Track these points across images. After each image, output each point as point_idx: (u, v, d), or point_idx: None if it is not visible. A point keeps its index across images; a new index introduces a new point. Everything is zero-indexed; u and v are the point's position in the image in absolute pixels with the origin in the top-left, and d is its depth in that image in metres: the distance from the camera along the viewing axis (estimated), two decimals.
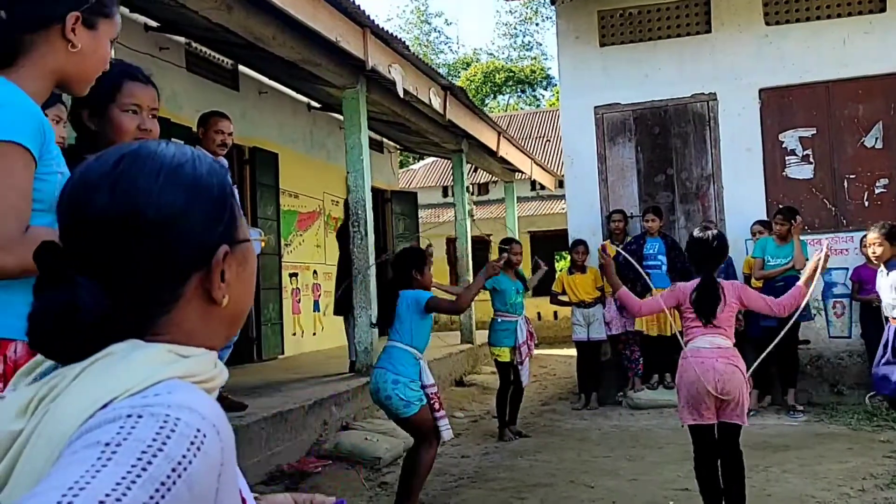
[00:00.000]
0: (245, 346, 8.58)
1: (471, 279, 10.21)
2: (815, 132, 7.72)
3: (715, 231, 3.88)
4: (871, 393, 6.84)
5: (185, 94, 7.73)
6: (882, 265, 4.93)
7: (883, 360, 5.08)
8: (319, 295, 10.59)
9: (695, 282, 3.75)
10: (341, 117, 7.22)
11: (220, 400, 0.83)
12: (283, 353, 9.35)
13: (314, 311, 10.46)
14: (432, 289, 4.47)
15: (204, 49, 8.13)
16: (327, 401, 5.65)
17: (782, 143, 7.76)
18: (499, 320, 6.37)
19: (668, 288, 3.94)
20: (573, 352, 8.11)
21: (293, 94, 10.00)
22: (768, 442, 5.64)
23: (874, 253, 4.90)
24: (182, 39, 7.80)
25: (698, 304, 3.67)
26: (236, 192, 4.75)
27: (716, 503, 3.66)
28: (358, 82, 6.53)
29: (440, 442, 4.19)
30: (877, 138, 7.59)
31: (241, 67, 8.85)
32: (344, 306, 7.14)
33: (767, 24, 7.88)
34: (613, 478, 4.86)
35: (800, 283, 3.76)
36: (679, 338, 3.80)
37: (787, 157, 7.78)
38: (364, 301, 6.54)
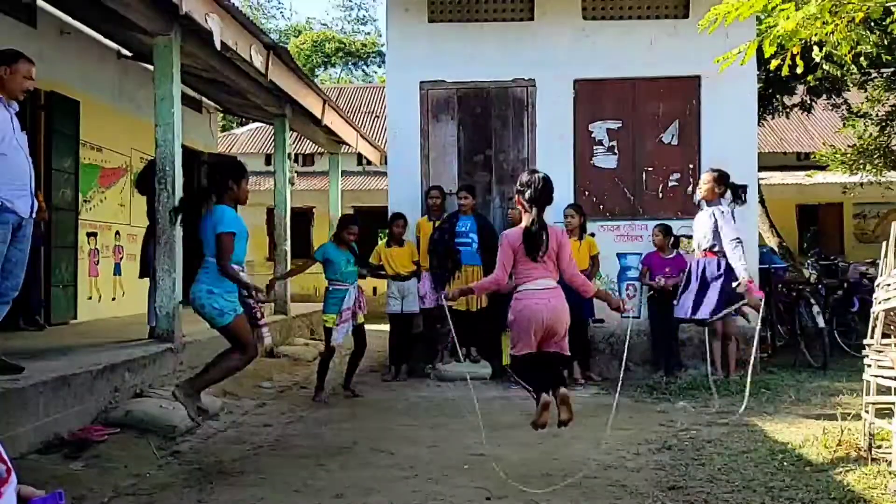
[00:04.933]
0: (33, 308, 7.84)
1: (288, 249, 9.98)
2: (620, 125, 8.24)
3: (543, 173, 4.13)
4: (660, 373, 7.47)
5: None
6: (705, 203, 6.17)
7: (683, 292, 6.03)
8: (122, 258, 9.90)
9: (520, 227, 4.04)
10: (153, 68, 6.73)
11: None
12: (76, 317, 8.65)
13: (115, 274, 9.76)
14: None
15: None
16: (119, 366, 5.27)
17: (591, 133, 8.22)
18: (330, 289, 6.64)
19: (499, 245, 4.14)
20: (388, 327, 8.14)
21: (101, 38, 9.21)
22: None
23: (701, 189, 6.22)
24: None
25: (528, 239, 3.95)
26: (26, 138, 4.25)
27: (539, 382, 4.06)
28: (172, 29, 6.11)
29: (257, 354, 4.70)
30: (673, 135, 8.24)
31: (40, 1, 8.02)
32: (150, 267, 6.69)
33: (585, 18, 8.29)
34: (414, 445, 4.94)
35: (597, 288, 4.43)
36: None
37: (594, 147, 8.25)
38: (168, 264, 6.15)
